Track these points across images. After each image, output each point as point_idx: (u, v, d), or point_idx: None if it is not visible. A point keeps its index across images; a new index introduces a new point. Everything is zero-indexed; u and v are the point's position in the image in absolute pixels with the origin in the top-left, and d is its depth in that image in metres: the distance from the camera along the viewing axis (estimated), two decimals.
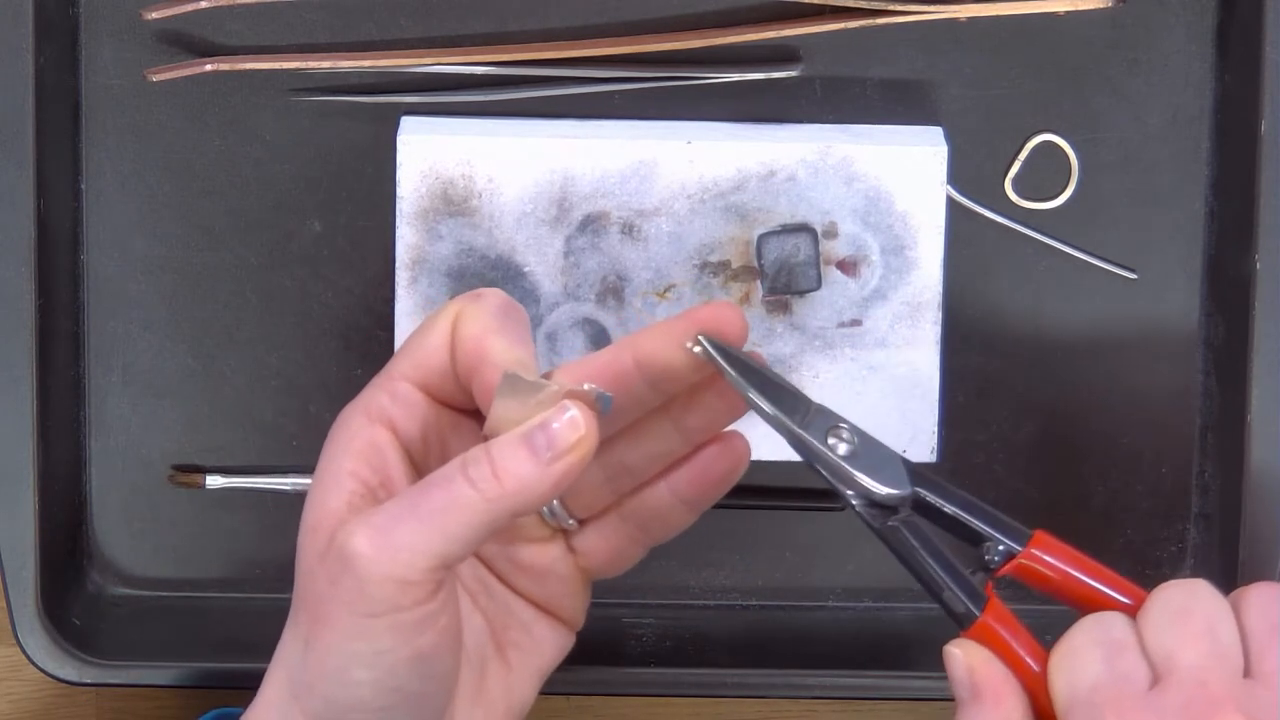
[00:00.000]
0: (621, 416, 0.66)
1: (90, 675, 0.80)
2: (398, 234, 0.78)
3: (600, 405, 0.63)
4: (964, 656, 0.64)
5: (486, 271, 0.78)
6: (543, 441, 0.62)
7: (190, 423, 0.82)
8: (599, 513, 0.70)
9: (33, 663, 0.80)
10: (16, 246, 0.78)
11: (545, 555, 0.70)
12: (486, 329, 0.64)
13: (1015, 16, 0.79)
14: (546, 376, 0.65)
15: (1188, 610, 0.63)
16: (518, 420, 0.62)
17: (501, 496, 0.62)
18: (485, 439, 0.63)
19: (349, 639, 0.63)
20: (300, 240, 0.81)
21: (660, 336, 0.65)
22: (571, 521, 0.70)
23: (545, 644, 0.71)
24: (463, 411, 0.67)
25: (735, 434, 0.69)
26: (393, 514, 0.62)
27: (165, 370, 0.81)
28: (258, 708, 0.66)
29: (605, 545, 0.70)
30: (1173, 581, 0.64)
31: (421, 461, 0.66)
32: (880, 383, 0.78)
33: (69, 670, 0.80)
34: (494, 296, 0.66)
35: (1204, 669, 0.62)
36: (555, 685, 0.80)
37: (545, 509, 0.69)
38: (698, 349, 0.65)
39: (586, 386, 0.63)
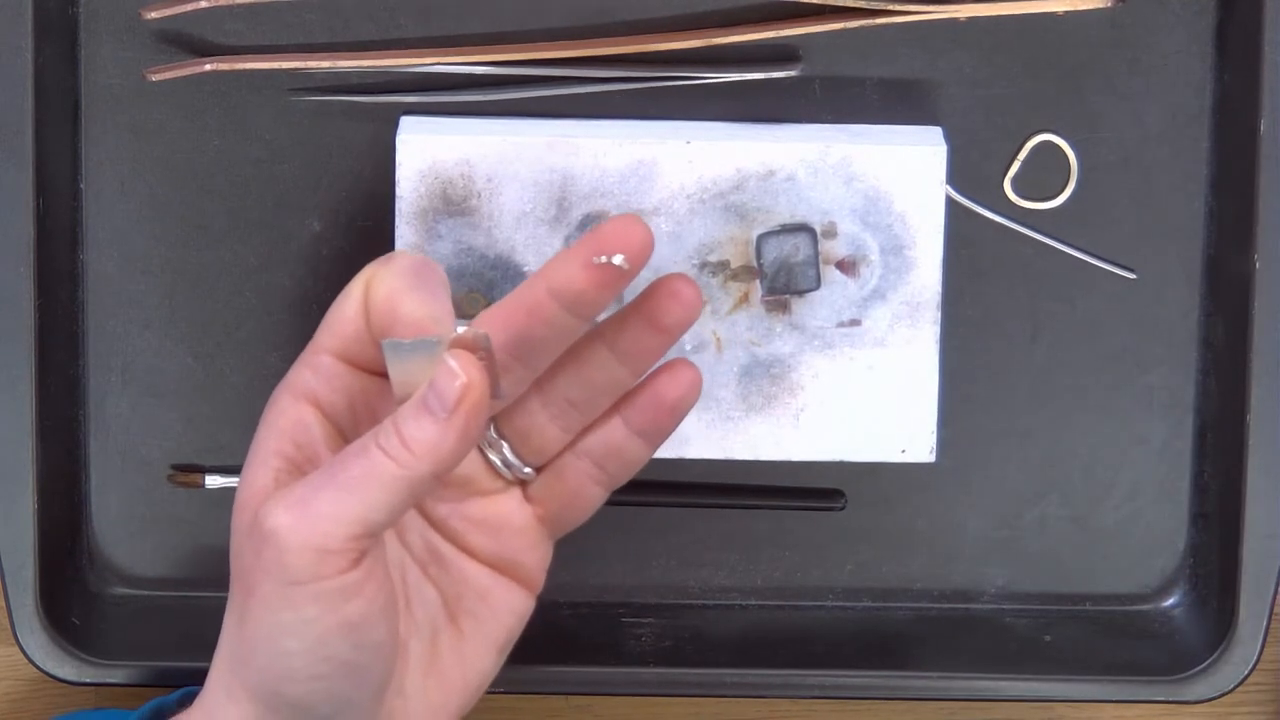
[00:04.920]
0: (547, 348, 0.67)
1: (89, 675, 0.80)
2: (397, 234, 0.78)
3: (481, 344, 0.63)
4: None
5: (486, 271, 0.78)
6: (435, 402, 0.62)
7: (190, 423, 0.82)
8: (554, 457, 0.70)
9: (32, 662, 0.80)
10: (16, 246, 0.78)
11: (500, 507, 0.70)
12: (395, 289, 0.65)
13: (1015, 16, 0.79)
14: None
15: None
16: (419, 382, 0.63)
17: (415, 463, 0.62)
18: (398, 406, 0.63)
19: (276, 609, 0.63)
20: (300, 240, 0.81)
21: (566, 261, 0.65)
22: (527, 470, 0.70)
23: (502, 610, 0.70)
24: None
25: (684, 361, 0.69)
26: (312, 485, 0.63)
27: (165, 370, 0.81)
28: (205, 687, 0.67)
29: (562, 487, 0.70)
30: None
31: (352, 432, 0.67)
32: (879, 382, 0.78)
33: (68, 670, 0.80)
34: (403, 257, 0.66)
35: None
36: (555, 685, 0.80)
37: (499, 461, 0.69)
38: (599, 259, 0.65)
39: (460, 329, 0.63)
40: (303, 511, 0.63)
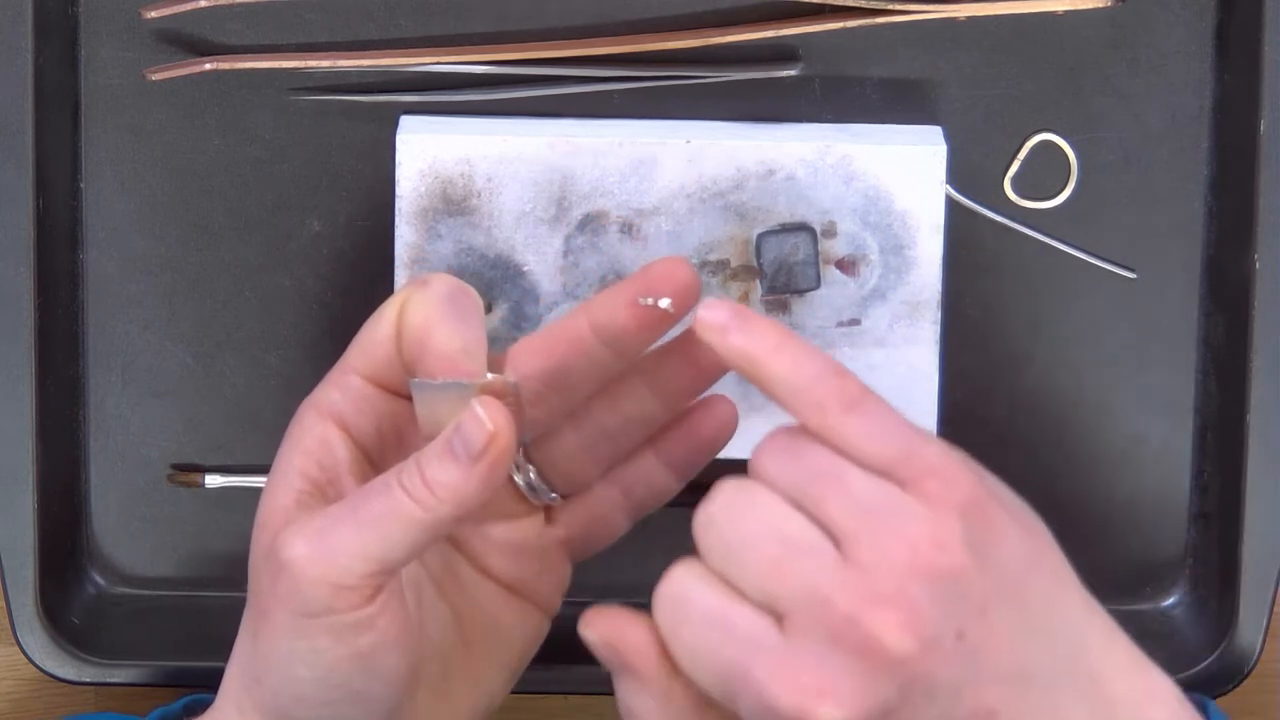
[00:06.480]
0: (584, 382, 0.66)
1: (89, 674, 0.80)
2: (397, 233, 0.78)
3: (512, 391, 0.63)
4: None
5: (486, 271, 0.78)
6: (460, 446, 0.62)
7: (190, 422, 0.82)
8: (580, 484, 0.70)
9: (32, 662, 0.80)
10: (16, 246, 0.78)
11: (522, 530, 0.70)
12: (430, 317, 0.64)
13: (1015, 16, 0.79)
14: (501, 358, 0.65)
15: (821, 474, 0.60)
16: (446, 422, 0.62)
17: (437, 505, 0.62)
18: (424, 441, 0.63)
19: (288, 637, 0.63)
20: (299, 240, 0.81)
21: (611, 299, 0.65)
22: (554, 495, 0.70)
23: (515, 632, 0.70)
24: None
25: (721, 397, 0.69)
26: (332, 517, 0.63)
27: (165, 370, 0.81)
28: (219, 697, 0.67)
29: (587, 512, 0.70)
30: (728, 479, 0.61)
31: (377, 455, 0.66)
32: (879, 382, 0.78)
33: (68, 669, 0.80)
34: (440, 283, 0.65)
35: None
36: (554, 685, 0.80)
37: (525, 486, 0.69)
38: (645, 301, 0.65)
39: (489, 376, 0.63)
40: (321, 544, 0.62)
